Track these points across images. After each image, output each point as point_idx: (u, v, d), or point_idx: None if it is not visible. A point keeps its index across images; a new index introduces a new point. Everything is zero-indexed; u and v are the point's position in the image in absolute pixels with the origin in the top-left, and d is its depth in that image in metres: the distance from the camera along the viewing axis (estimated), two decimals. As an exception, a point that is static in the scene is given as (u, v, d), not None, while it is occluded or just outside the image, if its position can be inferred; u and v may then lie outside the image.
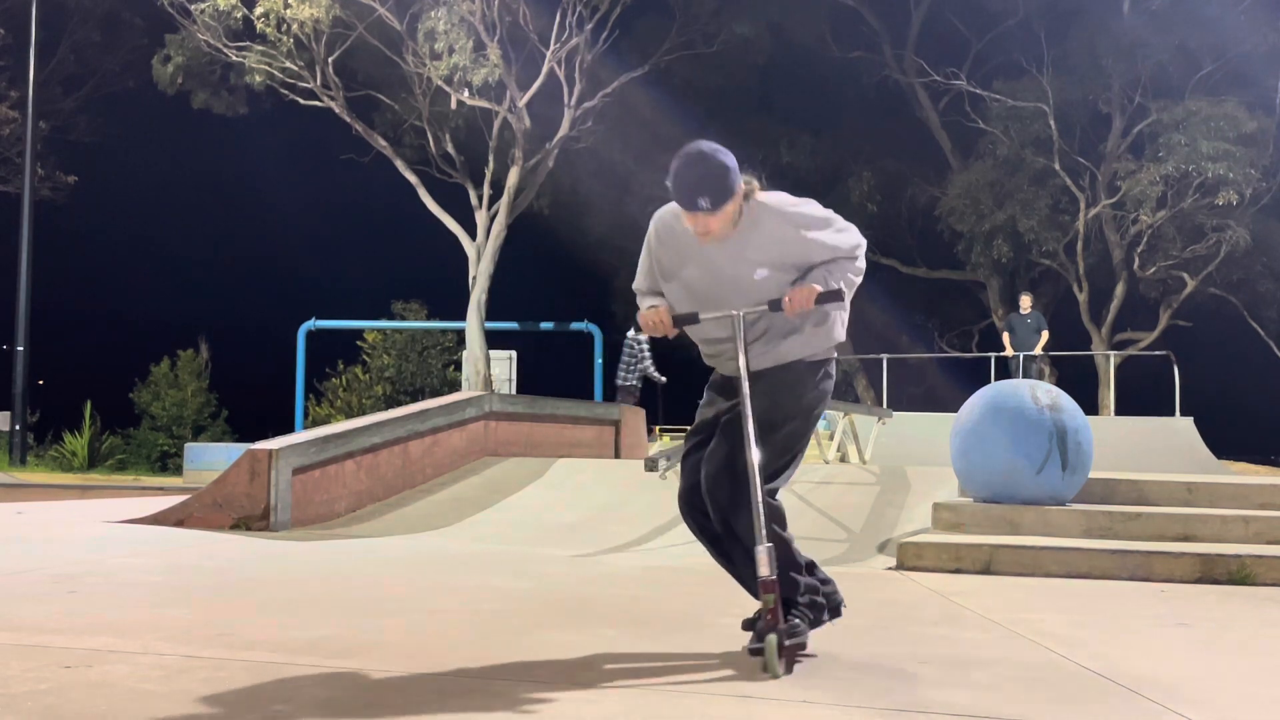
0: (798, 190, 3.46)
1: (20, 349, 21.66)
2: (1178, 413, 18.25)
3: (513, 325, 27.99)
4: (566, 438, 11.39)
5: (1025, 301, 18.31)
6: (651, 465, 6.21)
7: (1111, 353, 25.39)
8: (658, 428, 19.04)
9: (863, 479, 8.71)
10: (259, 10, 21.72)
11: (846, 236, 3.38)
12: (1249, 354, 27.83)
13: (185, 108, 24.88)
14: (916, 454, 13.15)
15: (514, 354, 25.96)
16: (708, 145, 3.21)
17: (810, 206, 3.35)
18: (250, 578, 5.00)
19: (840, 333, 3.45)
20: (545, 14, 22.53)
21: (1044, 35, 25.76)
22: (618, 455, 12.30)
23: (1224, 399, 27.73)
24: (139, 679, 2.84)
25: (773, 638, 3.05)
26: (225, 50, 22.52)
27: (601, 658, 3.32)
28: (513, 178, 23.29)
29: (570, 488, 8.56)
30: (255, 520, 6.97)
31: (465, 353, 24.54)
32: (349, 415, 24.71)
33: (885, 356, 21.21)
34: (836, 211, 3.42)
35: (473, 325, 23.75)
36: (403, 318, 28.39)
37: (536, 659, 3.26)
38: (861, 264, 3.41)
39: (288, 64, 22.34)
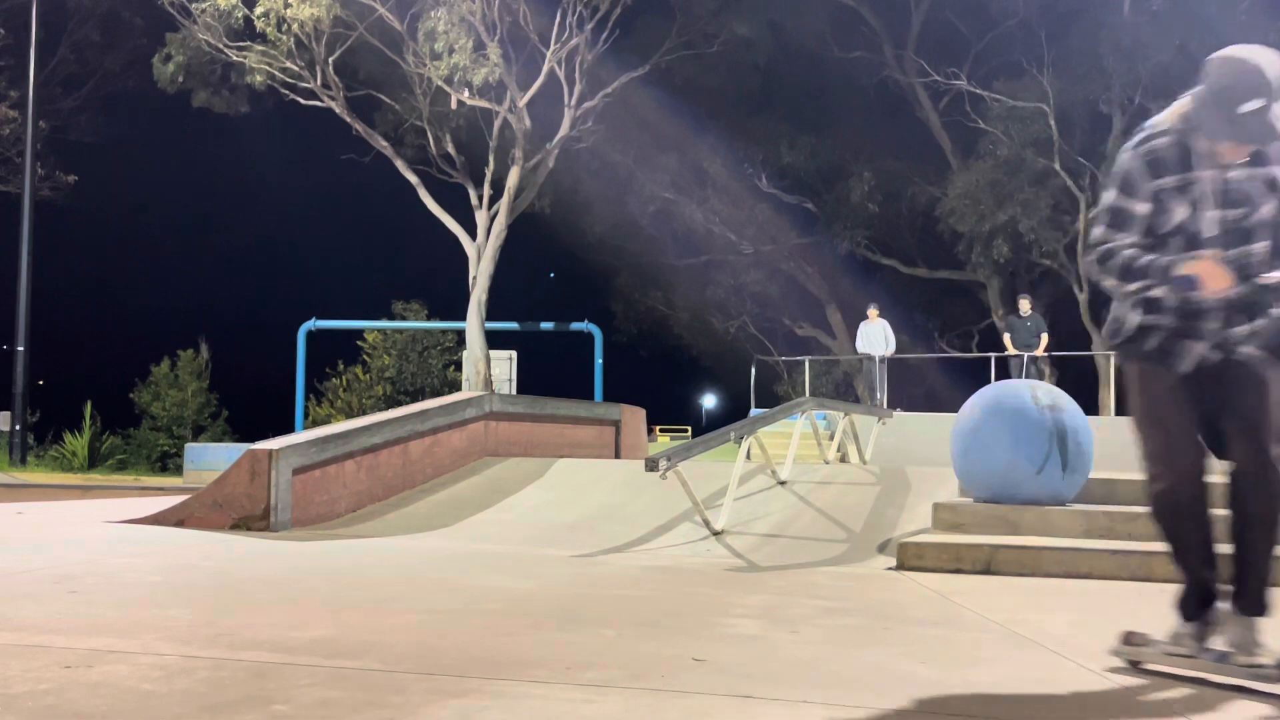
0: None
1: (20, 349, 21.66)
2: (1178, 413, 18.22)
3: (513, 325, 28.03)
4: (566, 438, 11.39)
5: (1025, 305, 18.33)
6: (652, 465, 6.20)
7: (1112, 353, 25.37)
8: (658, 428, 19.05)
9: (863, 479, 8.70)
10: (259, 10, 21.73)
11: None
12: (1249, 354, 27.77)
13: (185, 108, 24.92)
14: (916, 454, 13.17)
15: (514, 354, 25.99)
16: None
17: None
18: (250, 578, 5.00)
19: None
20: (545, 14, 22.54)
21: (1044, 35, 25.75)
22: (618, 455, 12.30)
23: (1224, 399, 27.63)
24: (139, 679, 2.84)
25: None
26: (226, 50, 22.54)
27: (601, 658, 3.31)
28: (513, 178, 23.29)
29: (570, 488, 8.55)
30: (255, 520, 6.97)
31: (465, 353, 24.54)
32: (349, 415, 24.73)
33: (885, 355, 21.17)
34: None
35: (473, 325, 23.76)
36: (403, 318, 28.42)
37: (536, 659, 3.25)
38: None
39: (288, 64, 22.35)
